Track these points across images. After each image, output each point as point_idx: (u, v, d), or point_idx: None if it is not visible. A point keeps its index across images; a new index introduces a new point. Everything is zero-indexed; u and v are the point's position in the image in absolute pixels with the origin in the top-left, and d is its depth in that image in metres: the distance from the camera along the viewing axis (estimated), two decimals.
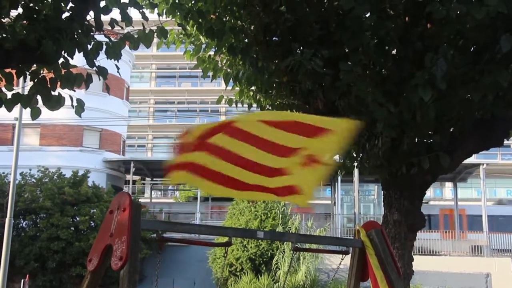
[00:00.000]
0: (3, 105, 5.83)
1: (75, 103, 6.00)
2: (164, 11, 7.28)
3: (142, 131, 59.88)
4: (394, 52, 6.65)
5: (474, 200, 41.97)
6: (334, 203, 35.57)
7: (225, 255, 5.23)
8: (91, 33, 5.81)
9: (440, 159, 6.49)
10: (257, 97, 8.40)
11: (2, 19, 5.47)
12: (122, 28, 6.20)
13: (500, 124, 6.72)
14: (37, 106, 5.89)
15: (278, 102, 8.21)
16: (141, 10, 6.14)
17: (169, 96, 61.92)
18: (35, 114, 5.91)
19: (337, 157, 8.31)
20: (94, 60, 5.87)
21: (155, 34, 6.23)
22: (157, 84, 63.43)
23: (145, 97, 61.56)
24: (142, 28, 6.07)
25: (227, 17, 7.29)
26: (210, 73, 8.20)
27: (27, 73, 5.82)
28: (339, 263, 5.19)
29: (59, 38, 5.39)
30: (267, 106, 8.40)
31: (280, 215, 26.23)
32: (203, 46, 8.07)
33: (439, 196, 48.96)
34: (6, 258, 20.07)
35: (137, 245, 3.85)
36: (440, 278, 26.60)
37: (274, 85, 7.69)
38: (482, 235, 31.68)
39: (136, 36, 6.10)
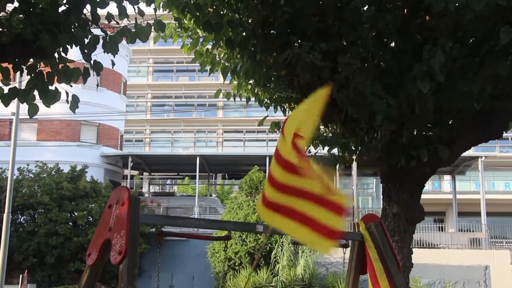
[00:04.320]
0: (0, 100, 5.80)
1: (70, 99, 5.96)
2: (161, 4, 7.24)
3: (140, 125, 59.72)
4: (392, 44, 6.63)
5: (472, 193, 42.00)
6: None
7: (225, 248, 5.23)
8: (88, 27, 5.77)
9: (439, 152, 6.48)
10: (255, 91, 8.38)
11: None
12: (118, 22, 6.16)
13: (499, 116, 6.70)
14: (34, 102, 5.86)
15: (276, 96, 8.19)
16: (136, 6, 6.08)
17: (167, 90, 61.73)
18: (33, 111, 5.87)
19: (335, 150, 8.30)
20: (92, 55, 5.83)
21: (152, 28, 6.19)
22: (155, 79, 63.20)
23: (142, 92, 61.36)
24: (139, 22, 6.03)
25: (225, 10, 7.26)
26: (208, 67, 8.17)
27: (24, 67, 5.79)
28: (343, 257, 5.17)
29: (55, 31, 5.35)
30: (265, 99, 8.38)
31: None
32: (201, 39, 8.04)
33: (438, 189, 49.01)
34: (4, 253, 20.07)
35: (136, 239, 3.84)
36: (439, 270, 26.66)
37: (272, 78, 7.67)
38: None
39: (133, 30, 6.06)
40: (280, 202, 3.81)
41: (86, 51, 5.77)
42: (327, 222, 3.64)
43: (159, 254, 4.55)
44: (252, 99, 8.57)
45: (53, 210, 26.82)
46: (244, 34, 7.24)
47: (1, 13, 5.48)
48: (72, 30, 5.58)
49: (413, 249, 7.33)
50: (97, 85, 6.47)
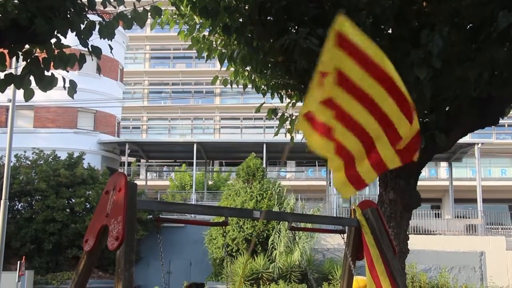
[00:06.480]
0: None
1: (67, 84, 5.95)
2: None
3: (137, 112, 59.61)
4: (389, 31, 6.60)
5: (469, 179, 42.16)
6: (330, 183, 35.63)
7: (225, 234, 5.23)
8: (84, 12, 5.74)
9: (436, 138, 6.48)
10: (252, 77, 8.36)
11: None
12: (114, 7, 6.13)
13: (496, 102, 6.70)
14: (30, 87, 5.84)
15: (273, 82, 8.17)
16: None
17: (164, 77, 61.57)
18: (29, 95, 5.86)
19: None
20: (87, 40, 5.80)
21: (149, 13, 6.16)
22: (151, 66, 63.01)
23: (139, 79, 61.19)
24: (135, 7, 6.00)
25: None
26: (205, 54, 8.13)
27: (20, 53, 5.76)
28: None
29: (51, 17, 5.32)
30: (262, 86, 8.36)
31: (276, 196, 26.28)
32: (197, 26, 7.99)
33: (434, 176, 49.14)
34: (2, 240, 20.10)
35: (133, 225, 3.85)
36: (435, 256, 26.80)
37: (269, 64, 7.64)
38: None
39: (129, 15, 6.03)
40: (329, 124, 3.44)
41: (82, 36, 5.75)
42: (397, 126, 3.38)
43: (160, 241, 4.56)
44: (249, 85, 8.55)
45: (50, 197, 26.86)
46: (240, 20, 7.20)
47: None
48: (68, 15, 5.55)
49: (409, 235, 7.36)
50: (99, 70, 6.43)
